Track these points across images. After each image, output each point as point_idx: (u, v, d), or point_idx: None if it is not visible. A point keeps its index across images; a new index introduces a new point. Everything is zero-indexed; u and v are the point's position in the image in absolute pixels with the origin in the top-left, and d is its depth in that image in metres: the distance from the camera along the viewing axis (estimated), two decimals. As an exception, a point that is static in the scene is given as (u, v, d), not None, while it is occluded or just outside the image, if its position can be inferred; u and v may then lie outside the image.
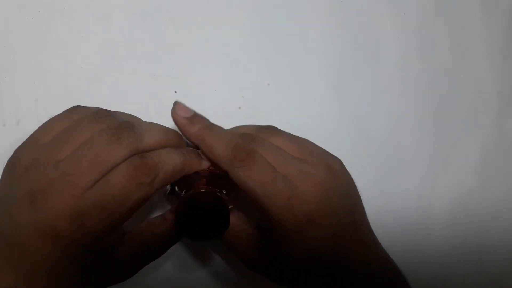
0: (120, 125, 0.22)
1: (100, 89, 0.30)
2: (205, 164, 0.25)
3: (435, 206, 0.37)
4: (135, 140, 0.22)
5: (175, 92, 0.31)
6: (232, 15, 0.33)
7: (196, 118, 0.24)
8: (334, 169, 0.25)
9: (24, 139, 0.25)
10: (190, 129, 0.24)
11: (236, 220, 0.25)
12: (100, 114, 0.23)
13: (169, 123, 0.25)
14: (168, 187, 0.26)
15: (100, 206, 0.20)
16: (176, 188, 0.25)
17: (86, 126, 0.22)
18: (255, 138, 0.24)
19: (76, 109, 0.24)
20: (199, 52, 0.32)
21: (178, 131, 0.25)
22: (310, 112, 0.34)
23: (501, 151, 0.38)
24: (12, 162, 0.22)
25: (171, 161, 0.22)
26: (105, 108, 0.24)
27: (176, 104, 0.24)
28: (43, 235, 0.20)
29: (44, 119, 0.29)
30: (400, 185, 0.36)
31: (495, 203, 0.38)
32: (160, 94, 0.31)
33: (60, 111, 0.24)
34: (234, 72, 0.33)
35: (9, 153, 0.29)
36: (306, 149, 0.26)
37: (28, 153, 0.22)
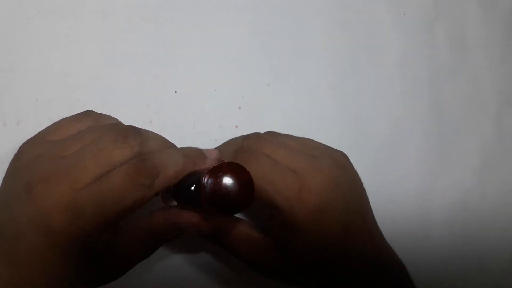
0: (128, 127, 0.22)
1: (100, 89, 0.30)
2: (209, 162, 0.24)
3: (435, 206, 0.37)
4: (140, 143, 0.22)
5: (175, 92, 0.31)
6: (232, 15, 0.33)
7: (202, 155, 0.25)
8: (341, 161, 0.25)
9: (25, 139, 0.25)
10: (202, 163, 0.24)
11: (240, 226, 0.25)
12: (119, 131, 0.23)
13: (169, 122, 0.25)
14: None
15: (96, 202, 0.20)
16: (172, 188, 0.24)
17: (107, 139, 0.22)
18: (258, 138, 0.25)
19: (89, 113, 0.25)
20: (199, 52, 0.32)
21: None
22: (310, 112, 0.34)
23: (501, 151, 0.38)
24: (16, 157, 0.23)
25: (172, 163, 0.22)
26: (104, 108, 0.24)
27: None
28: (36, 226, 0.20)
29: (44, 119, 0.29)
30: (400, 185, 0.36)
31: (495, 203, 0.38)
32: (160, 94, 0.31)
33: (61, 111, 0.25)
34: (234, 72, 0.33)
35: (10, 153, 0.29)
36: (310, 145, 0.26)
37: (33, 148, 0.23)
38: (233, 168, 0.21)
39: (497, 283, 0.38)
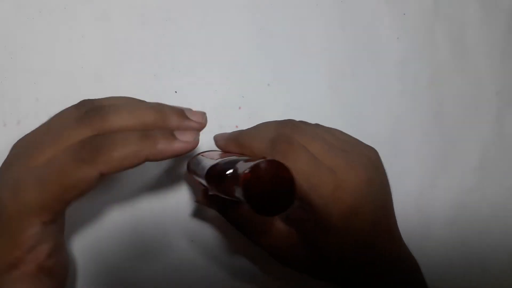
0: (91, 107, 0.21)
1: (100, 89, 0.30)
2: (177, 147, 0.21)
3: (435, 206, 0.37)
4: (100, 120, 0.20)
5: (175, 92, 0.31)
6: (232, 15, 0.33)
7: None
8: (373, 159, 0.25)
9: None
10: (222, 138, 0.24)
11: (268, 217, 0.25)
12: (80, 104, 0.22)
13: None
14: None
15: (38, 178, 0.20)
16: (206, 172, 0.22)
17: (67, 119, 0.22)
18: (294, 126, 0.24)
19: (82, 102, 0.24)
20: (199, 52, 0.32)
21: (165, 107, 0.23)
22: (310, 112, 0.34)
23: (501, 151, 0.38)
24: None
25: (124, 146, 0.20)
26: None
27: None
28: None
29: (45, 119, 0.29)
30: (400, 185, 0.36)
31: (495, 203, 0.38)
32: (160, 94, 0.31)
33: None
34: (234, 72, 0.33)
35: (10, 153, 0.29)
36: (341, 138, 0.26)
37: (23, 141, 0.23)
38: (276, 168, 0.19)
39: (497, 283, 0.38)
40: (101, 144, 0.20)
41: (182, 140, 0.21)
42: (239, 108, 0.32)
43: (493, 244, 0.38)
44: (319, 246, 0.24)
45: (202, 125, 0.23)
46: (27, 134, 0.23)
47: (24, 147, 0.22)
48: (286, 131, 0.24)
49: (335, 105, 0.35)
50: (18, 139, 0.23)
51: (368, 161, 0.24)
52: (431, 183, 0.36)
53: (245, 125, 0.32)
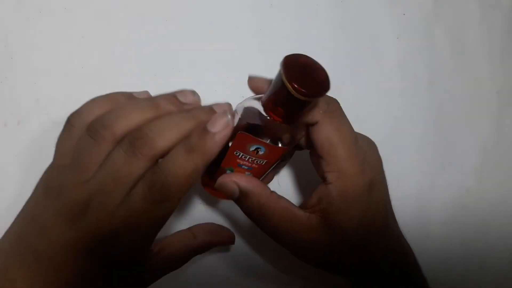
0: (133, 137, 0.22)
1: (100, 89, 0.30)
2: (219, 136, 0.21)
3: (435, 206, 0.37)
4: (149, 149, 0.21)
5: (175, 92, 0.31)
6: (232, 15, 0.33)
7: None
8: (375, 144, 0.27)
9: (25, 139, 0.25)
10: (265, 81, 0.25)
11: (283, 203, 0.25)
12: (91, 131, 0.22)
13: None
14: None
15: (129, 226, 0.21)
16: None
17: (88, 146, 0.22)
18: (339, 104, 0.25)
19: (70, 122, 0.24)
20: (199, 52, 0.32)
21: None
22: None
23: (501, 151, 0.38)
24: (43, 185, 0.23)
25: (181, 170, 0.21)
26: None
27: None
28: (81, 252, 0.21)
29: (45, 119, 0.29)
30: (400, 185, 0.36)
31: (494, 203, 0.38)
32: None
33: (61, 112, 0.25)
34: (234, 72, 0.33)
35: (10, 152, 0.29)
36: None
37: (54, 176, 0.23)
38: (312, 61, 0.22)
39: (497, 283, 0.38)
40: (165, 180, 0.21)
41: (217, 130, 0.21)
42: (239, 108, 0.32)
43: (492, 244, 0.38)
44: (335, 225, 0.24)
45: (227, 109, 0.23)
46: (55, 169, 0.23)
47: (84, 189, 0.21)
48: (334, 100, 0.25)
49: (335, 105, 0.35)
50: (18, 139, 0.23)
51: (373, 144, 0.27)
52: (431, 183, 0.36)
53: (245, 125, 0.32)
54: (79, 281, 0.21)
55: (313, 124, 0.23)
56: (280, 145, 0.24)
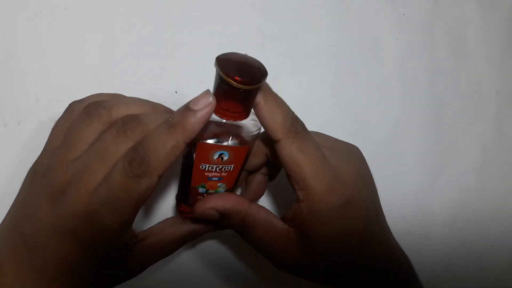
0: (128, 119, 0.22)
1: (101, 89, 0.30)
2: (200, 116, 0.21)
3: (435, 206, 0.37)
4: (142, 132, 0.22)
5: (175, 92, 0.31)
6: (232, 15, 0.33)
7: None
8: (360, 156, 0.27)
9: (25, 139, 0.25)
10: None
11: (263, 215, 0.25)
12: (89, 109, 0.23)
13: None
14: None
15: (108, 203, 0.21)
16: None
17: (81, 125, 0.23)
18: (303, 125, 0.25)
19: (71, 107, 0.25)
20: (199, 52, 0.32)
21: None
22: (310, 112, 0.34)
23: (501, 151, 0.38)
24: (32, 169, 0.23)
25: (161, 146, 0.21)
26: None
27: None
28: (63, 235, 0.21)
29: (45, 119, 0.29)
30: (400, 185, 0.36)
31: (494, 203, 0.38)
32: (160, 94, 0.31)
33: (61, 112, 0.25)
34: (234, 72, 0.33)
35: (10, 152, 0.29)
36: (329, 139, 0.27)
37: (44, 158, 0.23)
38: (245, 56, 0.22)
39: (497, 283, 0.38)
40: (145, 156, 0.21)
41: (199, 108, 0.21)
42: (239, 108, 0.32)
43: (492, 244, 0.38)
44: (313, 238, 0.24)
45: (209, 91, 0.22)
46: (46, 153, 0.23)
47: (69, 167, 0.22)
48: (300, 122, 0.25)
49: (335, 105, 0.35)
50: (18, 139, 0.23)
51: (355, 156, 0.26)
52: (431, 183, 0.36)
53: (245, 125, 0.32)
54: (64, 266, 0.21)
55: (276, 141, 0.23)
56: (241, 144, 0.24)
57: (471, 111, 0.38)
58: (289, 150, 0.23)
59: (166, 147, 0.21)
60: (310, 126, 0.34)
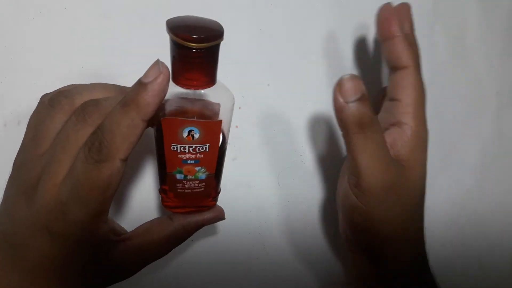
0: (87, 104, 0.21)
1: (101, 89, 0.30)
2: (152, 90, 0.20)
3: (435, 206, 0.37)
4: (100, 116, 0.21)
5: (175, 92, 0.31)
6: (232, 15, 0.33)
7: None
8: None
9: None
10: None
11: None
12: (52, 100, 0.23)
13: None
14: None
15: (75, 194, 0.20)
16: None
17: (46, 117, 0.22)
18: None
19: (41, 99, 0.24)
20: (199, 52, 0.32)
21: None
22: (310, 112, 0.34)
23: (500, 151, 0.38)
24: (13, 164, 0.23)
25: (116, 126, 0.20)
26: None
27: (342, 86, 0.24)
28: (39, 231, 0.20)
29: (45, 119, 0.29)
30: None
31: (494, 203, 0.38)
32: (160, 94, 0.31)
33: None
34: (234, 72, 0.33)
35: (10, 152, 0.29)
36: None
37: (18, 155, 0.23)
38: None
39: (497, 283, 0.38)
40: (103, 139, 0.20)
41: (150, 80, 0.20)
42: (239, 108, 0.32)
43: (492, 244, 0.38)
44: (414, 164, 0.26)
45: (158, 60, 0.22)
46: (20, 148, 0.23)
47: (39, 162, 0.22)
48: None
49: (335, 105, 0.35)
50: (18, 139, 0.23)
51: None
52: (431, 183, 0.36)
53: (245, 125, 0.32)
54: (45, 262, 0.21)
55: (403, 68, 0.27)
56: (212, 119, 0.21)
57: (470, 111, 0.38)
58: (415, 79, 0.27)
59: (122, 127, 0.20)
60: (310, 126, 0.34)
